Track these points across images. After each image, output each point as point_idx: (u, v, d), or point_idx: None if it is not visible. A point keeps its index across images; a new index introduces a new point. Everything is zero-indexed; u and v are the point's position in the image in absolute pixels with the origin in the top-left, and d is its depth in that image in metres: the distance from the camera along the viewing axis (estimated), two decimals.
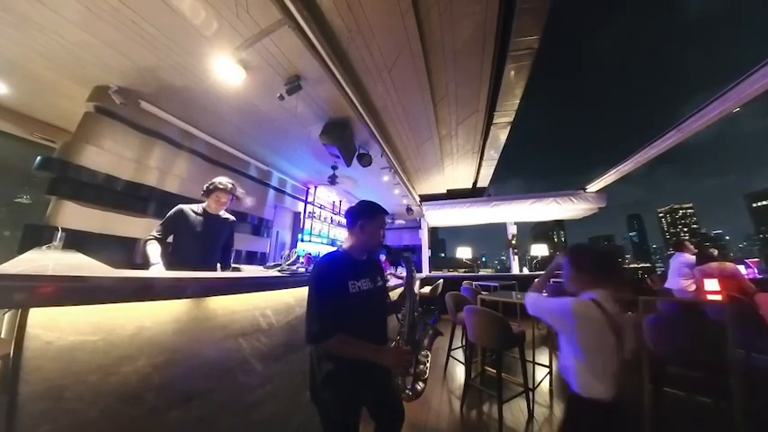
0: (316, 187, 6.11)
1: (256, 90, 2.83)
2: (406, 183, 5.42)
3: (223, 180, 2.02)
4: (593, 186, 5.48)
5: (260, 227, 4.74)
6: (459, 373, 3.15)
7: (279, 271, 1.93)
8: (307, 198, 6.09)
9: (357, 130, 3.62)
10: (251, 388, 1.40)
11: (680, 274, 3.39)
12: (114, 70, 2.57)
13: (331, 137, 3.37)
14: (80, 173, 2.55)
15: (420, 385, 1.03)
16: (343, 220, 7.56)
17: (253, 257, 4.54)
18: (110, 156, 2.78)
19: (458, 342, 3.84)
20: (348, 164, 3.79)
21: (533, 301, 1.23)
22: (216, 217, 2.02)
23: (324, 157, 4.29)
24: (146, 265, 1.59)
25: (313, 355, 1.11)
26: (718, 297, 2.38)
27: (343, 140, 3.51)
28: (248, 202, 2.15)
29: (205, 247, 1.89)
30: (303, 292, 1.93)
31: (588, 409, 0.98)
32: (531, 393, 2.24)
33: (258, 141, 4.02)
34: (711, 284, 2.50)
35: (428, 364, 1.03)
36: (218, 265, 1.99)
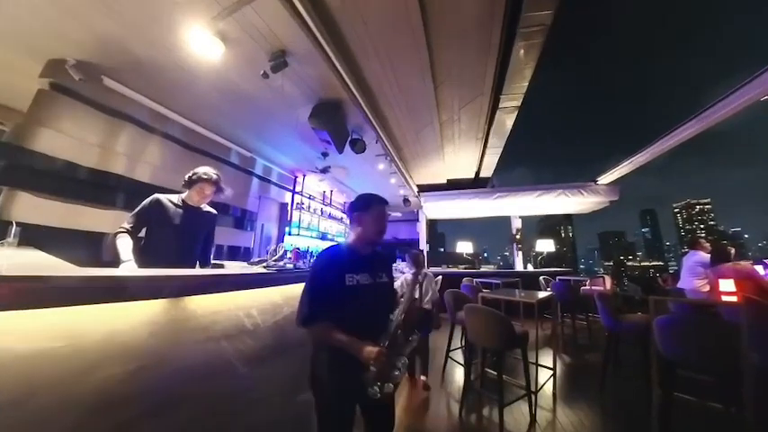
0: (304, 176, 6.04)
1: (237, 66, 2.74)
2: (403, 172, 5.41)
3: (208, 170, 1.97)
4: (605, 178, 5.52)
5: (243, 219, 4.70)
6: (458, 375, 3.20)
7: (264, 267, 1.92)
8: (294, 188, 6.04)
9: (350, 114, 3.55)
10: (235, 394, 1.39)
11: (693, 274, 3.48)
12: (71, 41, 2.43)
13: (321, 120, 3.31)
14: (35, 159, 2.43)
15: (389, 386, 1.07)
16: (335, 212, 7.64)
17: (235, 253, 4.50)
18: (69, 140, 2.66)
19: (457, 342, 3.90)
20: (340, 150, 3.75)
21: None
22: (196, 209, 1.96)
23: (313, 143, 4.23)
24: (115, 262, 1.54)
25: (313, 345, 1.20)
26: (734, 298, 2.44)
27: (334, 124, 3.45)
28: (228, 192, 2.10)
29: (183, 241, 1.83)
30: (292, 290, 1.93)
31: None
32: (533, 397, 2.30)
33: (240, 125, 3.93)
34: (726, 285, 2.55)
35: (403, 371, 1.07)
36: (197, 261, 1.95)
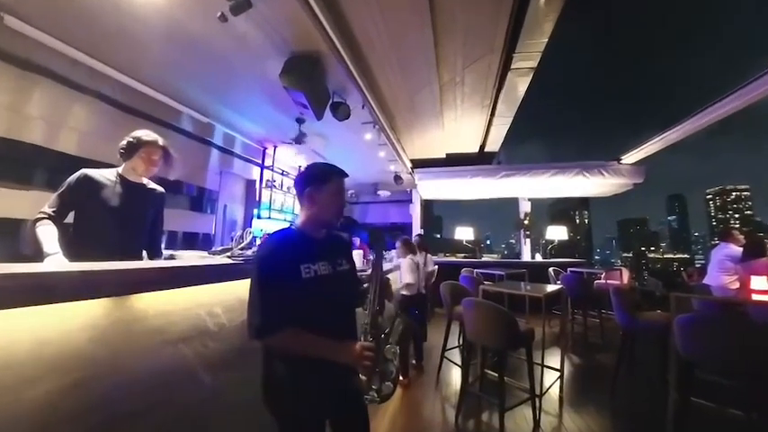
0: (275, 147, 5.93)
1: (187, 6, 2.57)
2: (395, 143, 5.37)
3: (149, 132, 1.88)
4: (630, 157, 5.65)
5: (201, 200, 4.62)
6: (454, 377, 3.34)
7: (229, 257, 1.89)
8: (263, 162, 5.94)
9: (331, 71, 3.44)
10: (198, 404, 1.41)
11: (721, 269, 3.67)
12: None
13: (295, 78, 3.19)
14: None
15: (388, 386, 1.08)
16: None
17: (193, 240, 4.45)
18: None
19: (454, 341, 4.04)
20: (319, 116, 3.66)
21: None
22: (139, 186, 1.88)
23: (285, 107, 4.10)
24: (37, 255, 1.47)
25: (264, 354, 1.13)
26: (766, 297, 2.57)
27: (311, 84, 3.34)
28: (178, 164, 2.02)
29: (125, 227, 1.74)
30: None
31: None
32: (537, 400, 2.43)
33: (194, 83, 3.76)
34: (759, 282, 2.68)
35: (396, 362, 1.08)
36: (145, 251, 1.90)
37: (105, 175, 1.78)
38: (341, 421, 1.19)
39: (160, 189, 2.00)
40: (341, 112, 3.85)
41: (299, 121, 4.47)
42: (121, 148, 1.85)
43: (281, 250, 1.11)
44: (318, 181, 1.19)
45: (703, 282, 3.79)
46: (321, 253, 1.17)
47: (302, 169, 1.26)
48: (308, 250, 1.15)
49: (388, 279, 1.32)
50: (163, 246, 2.03)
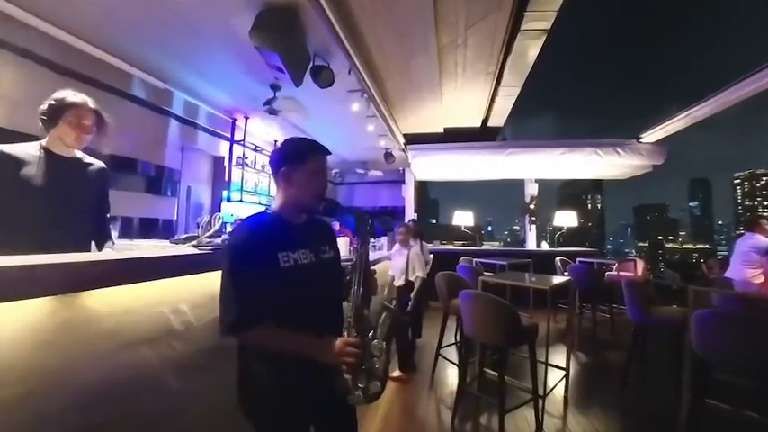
0: (246, 119, 5.82)
1: None
2: (386, 116, 5.33)
3: (77, 93, 1.72)
4: (651, 135, 5.73)
5: (160, 180, 4.53)
6: (450, 376, 3.45)
7: (195, 246, 1.87)
8: (233, 136, 5.84)
9: (311, 29, 3.34)
10: (166, 415, 1.41)
11: (746, 261, 3.80)
12: None
13: (268, 36, 3.09)
14: None
15: (375, 385, 1.09)
16: None
17: (151, 228, 4.38)
18: None
19: (450, 337, 4.13)
20: (297, 82, 3.58)
21: None
22: (71, 161, 1.75)
23: (258, 71, 3.98)
24: None
25: (239, 353, 1.16)
26: None
27: (287, 43, 3.25)
28: (110, 133, 1.89)
29: (57, 211, 1.64)
30: None
31: None
32: (540, 401, 2.53)
33: (147, 41, 3.60)
34: None
35: (382, 358, 1.10)
36: (92, 239, 1.84)
37: (26, 150, 1.64)
38: (326, 426, 1.21)
39: (100, 164, 1.86)
40: (323, 77, 3.76)
41: (274, 87, 4.35)
42: (42, 115, 1.68)
43: (256, 237, 1.11)
44: (295, 159, 1.19)
45: (725, 275, 3.93)
46: (301, 240, 1.19)
47: (278, 145, 1.26)
48: (285, 237, 1.16)
49: (374, 270, 1.32)
50: (115, 234, 1.97)
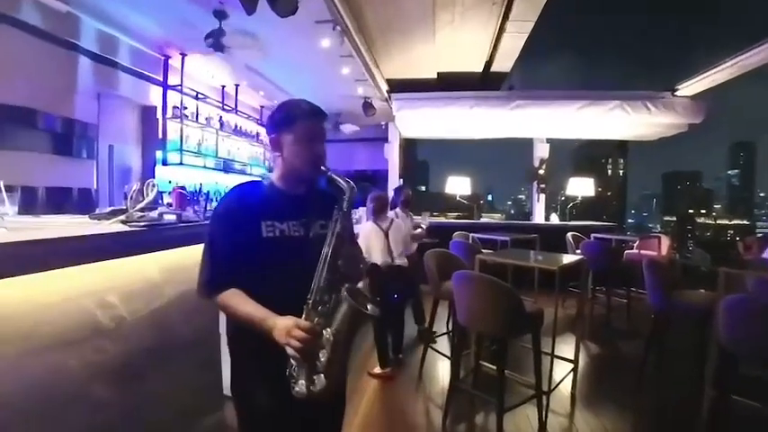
0: (183, 56, 5.63)
1: None
2: (365, 55, 5.25)
3: None
4: (690, 88, 5.79)
5: (69, 138, 4.38)
6: (441, 370, 3.58)
7: (124, 222, 1.83)
8: (167, 79, 5.66)
9: None
10: None
11: None
12: None
13: None
14: None
15: (317, 382, 1.15)
16: (247, 123, 7.38)
17: (62, 199, 4.22)
18: None
19: (441, 326, 4.27)
20: (249, 9, 3.45)
21: None
22: None
23: None
24: None
25: (228, 333, 1.36)
26: None
27: None
28: None
29: None
30: (178, 257, 1.90)
31: None
32: (545, 398, 2.66)
33: None
34: None
35: (326, 351, 1.16)
36: None
37: None
38: (309, 419, 1.31)
39: None
40: (283, 3, 3.62)
41: (219, 15, 4.21)
42: None
43: (240, 203, 1.30)
44: (283, 123, 1.33)
45: (763, 255, 4.11)
46: (293, 211, 1.33)
47: (270, 112, 1.41)
48: (275, 206, 1.31)
49: (354, 248, 1.42)
50: (13, 208, 1.89)
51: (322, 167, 1.34)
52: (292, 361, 1.14)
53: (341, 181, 1.33)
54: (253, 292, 1.21)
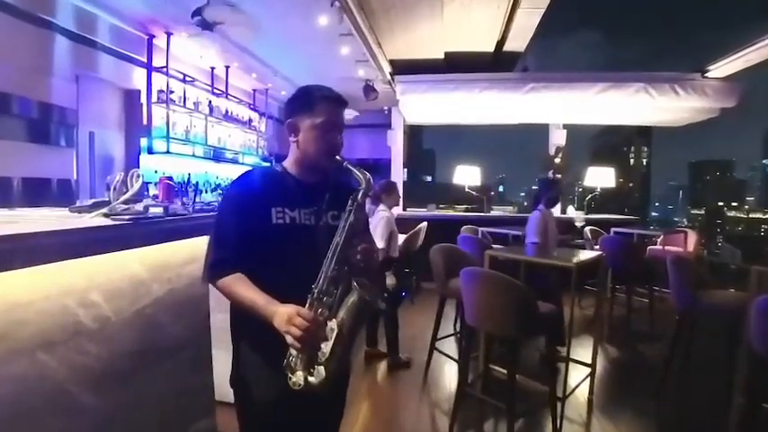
0: (169, 36, 5.57)
1: None
2: (366, 34, 5.24)
3: None
4: (722, 69, 5.71)
5: (46, 124, 4.36)
6: (448, 374, 3.61)
7: (107, 215, 1.83)
8: (151, 60, 5.62)
9: None
10: None
11: None
12: None
13: None
14: None
15: (319, 373, 1.19)
16: (238, 108, 7.37)
17: (41, 191, 4.28)
18: None
19: (448, 326, 4.28)
20: None
21: None
22: None
23: None
24: None
25: (231, 325, 1.44)
26: None
27: None
28: None
29: None
30: (163, 254, 1.91)
31: None
32: (559, 405, 2.68)
33: None
34: None
35: (330, 342, 1.19)
36: None
37: None
38: (309, 413, 1.35)
39: None
40: None
41: None
42: None
43: (250, 187, 1.38)
44: (302, 108, 1.39)
45: None
46: (306, 199, 1.39)
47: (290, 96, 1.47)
48: (286, 193, 1.39)
49: (369, 245, 1.42)
50: None
51: (337, 157, 1.40)
52: (291, 350, 1.18)
53: (357, 172, 1.38)
54: (258, 278, 1.27)
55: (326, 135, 1.38)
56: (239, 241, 1.30)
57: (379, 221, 3.74)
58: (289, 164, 1.46)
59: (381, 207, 3.89)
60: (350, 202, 1.35)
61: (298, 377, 1.18)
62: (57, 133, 4.48)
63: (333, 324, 1.20)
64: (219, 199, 1.55)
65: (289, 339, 1.14)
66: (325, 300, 1.23)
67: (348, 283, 1.28)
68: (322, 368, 1.17)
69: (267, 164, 6.98)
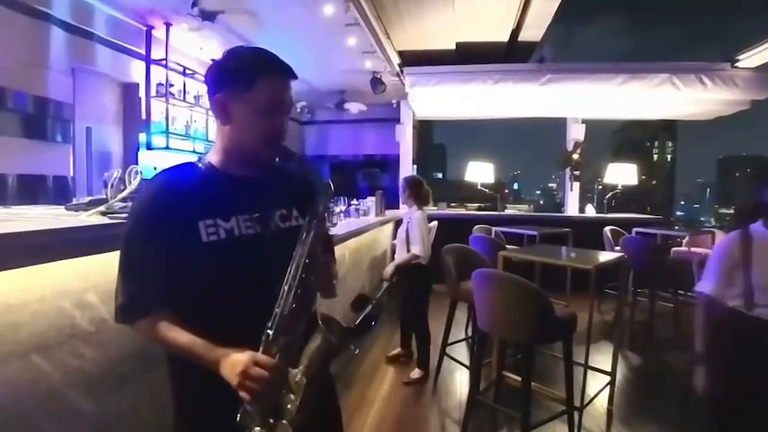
0: (168, 27, 5.61)
1: None
2: (374, 24, 5.23)
3: None
4: (752, 59, 5.64)
5: (42, 120, 4.41)
6: (459, 381, 3.62)
7: (104, 214, 1.86)
8: (149, 52, 5.65)
9: None
10: None
11: None
12: None
13: None
14: None
15: (283, 427, 1.02)
16: None
17: (37, 188, 4.34)
18: None
19: (459, 331, 4.30)
20: None
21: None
22: None
23: None
24: None
25: (168, 362, 1.19)
26: None
27: None
28: None
29: None
30: None
31: None
32: (577, 415, 2.68)
33: None
34: None
35: (299, 396, 1.04)
36: None
37: None
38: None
39: None
40: None
41: None
42: None
43: (168, 197, 1.10)
44: (236, 81, 1.11)
45: None
46: (246, 202, 1.15)
47: (216, 60, 1.18)
48: (216, 198, 1.13)
49: (327, 260, 1.25)
50: None
51: (283, 147, 1.17)
52: (246, 406, 0.99)
53: (313, 175, 1.20)
54: (191, 317, 1.06)
55: (271, 118, 1.13)
56: (157, 272, 1.06)
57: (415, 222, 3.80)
58: (215, 156, 1.19)
59: (415, 207, 3.93)
60: (308, 216, 1.14)
61: None
62: (52, 128, 4.53)
63: (297, 374, 1.05)
64: (129, 215, 1.18)
65: (243, 396, 0.96)
66: (284, 341, 1.03)
67: (310, 317, 1.11)
68: (286, 423, 1.01)
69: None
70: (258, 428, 0.99)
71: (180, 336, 1.04)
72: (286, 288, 1.05)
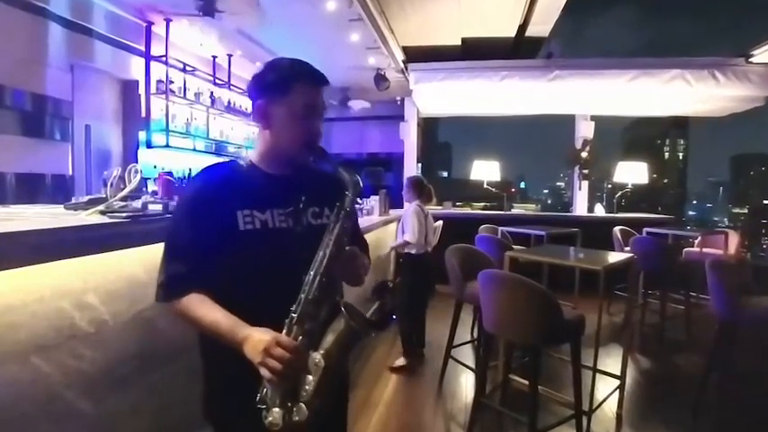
0: (168, 23, 5.66)
1: None
2: (377, 19, 5.23)
3: None
4: (766, 54, 5.59)
5: (40, 117, 4.43)
6: (464, 384, 3.62)
7: (104, 213, 1.86)
8: (149, 49, 5.69)
9: None
10: None
11: None
12: None
13: None
14: None
15: (301, 411, 1.06)
16: (241, 99, 7.40)
17: (35, 187, 4.36)
18: None
19: (465, 333, 4.27)
20: None
21: None
22: None
23: None
24: None
25: (200, 347, 1.31)
26: None
27: None
28: None
29: None
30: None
31: None
32: (585, 419, 2.67)
33: None
34: None
35: (316, 378, 1.08)
36: None
37: None
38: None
39: None
40: None
41: None
42: None
43: (210, 189, 1.24)
44: (273, 89, 1.25)
45: None
46: (278, 198, 1.26)
47: (256, 72, 1.32)
48: (254, 192, 1.25)
49: (354, 250, 1.30)
50: None
51: (317, 148, 1.27)
52: (266, 384, 1.05)
53: (344, 173, 1.24)
54: (224, 298, 1.15)
55: (306, 121, 1.25)
56: (199, 255, 1.17)
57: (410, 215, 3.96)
58: (257, 156, 1.33)
59: (416, 202, 4.09)
60: (336, 209, 1.23)
61: (275, 417, 1.05)
62: (51, 126, 4.55)
63: (317, 356, 1.09)
64: (176, 203, 1.33)
65: (264, 373, 1.01)
66: (307, 325, 1.10)
67: (333, 304, 1.16)
68: (304, 407, 1.05)
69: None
70: (277, 409, 1.05)
71: (209, 313, 1.12)
72: (312, 274, 1.14)
